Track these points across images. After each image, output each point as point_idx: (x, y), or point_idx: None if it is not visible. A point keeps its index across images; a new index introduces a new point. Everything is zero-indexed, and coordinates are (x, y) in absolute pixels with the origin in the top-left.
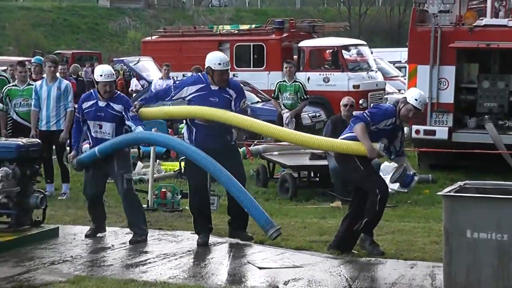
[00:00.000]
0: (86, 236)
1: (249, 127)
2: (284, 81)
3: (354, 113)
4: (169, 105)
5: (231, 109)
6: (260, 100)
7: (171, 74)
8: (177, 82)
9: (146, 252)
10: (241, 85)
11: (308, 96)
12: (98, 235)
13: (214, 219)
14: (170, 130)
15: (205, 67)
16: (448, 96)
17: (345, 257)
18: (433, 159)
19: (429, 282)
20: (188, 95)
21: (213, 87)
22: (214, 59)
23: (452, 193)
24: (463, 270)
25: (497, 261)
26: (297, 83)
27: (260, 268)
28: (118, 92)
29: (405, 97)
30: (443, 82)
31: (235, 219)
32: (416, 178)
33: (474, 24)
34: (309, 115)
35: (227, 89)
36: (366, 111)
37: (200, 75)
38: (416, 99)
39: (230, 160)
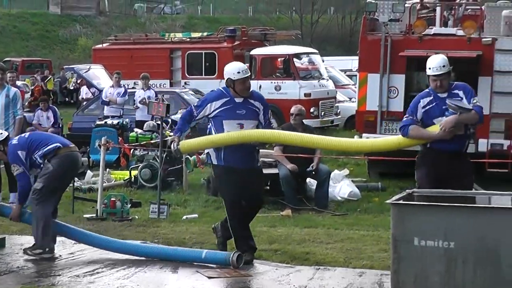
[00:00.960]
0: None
1: (301, 143)
2: None
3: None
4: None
5: (259, 121)
6: None
7: (122, 82)
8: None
9: (94, 262)
10: (262, 95)
11: None
12: None
13: (164, 228)
14: (120, 138)
15: (225, 80)
16: (398, 104)
17: (295, 266)
18: (383, 167)
19: None
20: (213, 111)
21: (237, 99)
22: (233, 69)
23: (400, 201)
24: (410, 278)
25: (444, 269)
26: None
27: (209, 277)
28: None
29: None
30: (393, 90)
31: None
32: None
33: (423, 33)
34: None
35: (251, 100)
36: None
37: (222, 89)
38: (429, 68)
39: (253, 181)
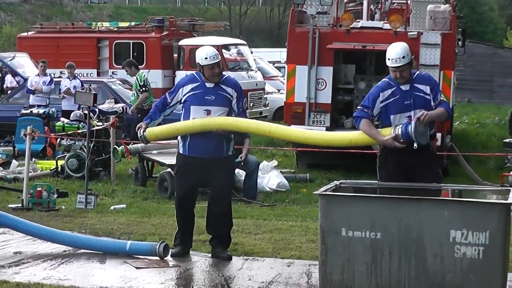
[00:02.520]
0: None
1: (269, 133)
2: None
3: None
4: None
5: (232, 109)
6: None
7: (48, 71)
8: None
9: (19, 253)
10: (238, 83)
11: (146, 88)
12: None
13: (91, 218)
14: (46, 127)
15: (196, 63)
16: (325, 96)
17: (223, 256)
18: (311, 159)
19: (305, 280)
20: (183, 95)
21: (208, 84)
22: (201, 54)
23: (327, 192)
24: (338, 268)
25: (371, 259)
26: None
27: (137, 268)
28: None
29: None
30: (321, 82)
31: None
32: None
33: (350, 26)
34: None
35: (223, 86)
36: (358, 106)
37: (195, 74)
38: (388, 58)
39: (217, 170)
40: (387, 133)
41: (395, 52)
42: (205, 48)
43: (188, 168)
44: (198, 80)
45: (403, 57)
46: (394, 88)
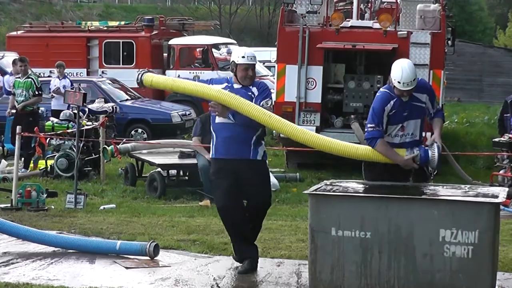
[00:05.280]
0: None
1: (265, 122)
2: (19, 77)
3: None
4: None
5: None
6: (129, 98)
7: (38, 70)
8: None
9: (8, 253)
10: (268, 86)
11: (40, 92)
12: None
13: (80, 218)
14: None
15: (230, 62)
16: (315, 96)
17: (213, 256)
18: (301, 158)
19: (295, 279)
20: None
21: (236, 86)
22: (239, 52)
23: (317, 192)
24: (327, 267)
25: (361, 259)
26: (29, 79)
27: (127, 268)
28: None
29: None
30: (311, 82)
31: None
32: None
33: (340, 25)
34: (179, 113)
35: (250, 87)
36: (367, 125)
37: (227, 77)
38: (398, 82)
39: (248, 175)
40: (400, 153)
41: (406, 75)
42: (244, 48)
43: (220, 173)
44: (228, 82)
45: (414, 80)
46: (394, 100)
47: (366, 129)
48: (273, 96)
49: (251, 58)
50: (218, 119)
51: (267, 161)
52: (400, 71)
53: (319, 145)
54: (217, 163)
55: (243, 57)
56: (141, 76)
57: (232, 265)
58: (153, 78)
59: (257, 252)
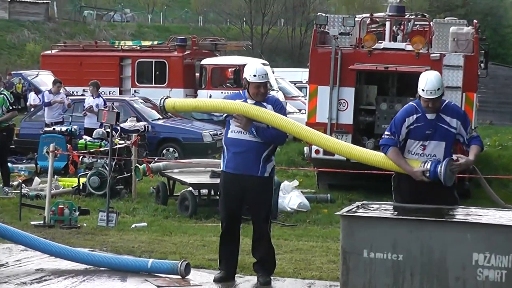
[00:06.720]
0: None
1: (291, 131)
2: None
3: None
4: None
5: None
6: (161, 117)
7: (71, 89)
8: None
9: (41, 270)
10: (280, 100)
11: (14, 107)
12: None
13: (112, 236)
14: (68, 145)
15: (242, 78)
16: (347, 117)
17: (244, 276)
18: (332, 179)
19: None
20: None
21: (250, 101)
22: (250, 70)
23: (349, 213)
24: None
25: (392, 281)
26: (1, 95)
27: (158, 286)
28: None
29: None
30: (343, 103)
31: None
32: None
33: (373, 47)
34: (210, 133)
35: (264, 103)
36: (384, 132)
37: (241, 91)
38: (423, 89)
39: (253, 191)
40: (414, 165)
41: (431, 83)
42: (255, 65)
43: (227, 186)
44: (241, 97)
45: (438, 89)
46: (419, 114)
47: (382, 136)
48: (305, 117)
49: (262, 77)
50: (230, 134)
51: (275, 177)
52: (425, 79)
53: (339, 151)
54: (226, 176)
55: (254, 75)
56: (163, 101)
57: (261, 287)
58: (175, 102)
59: (235, 268)
